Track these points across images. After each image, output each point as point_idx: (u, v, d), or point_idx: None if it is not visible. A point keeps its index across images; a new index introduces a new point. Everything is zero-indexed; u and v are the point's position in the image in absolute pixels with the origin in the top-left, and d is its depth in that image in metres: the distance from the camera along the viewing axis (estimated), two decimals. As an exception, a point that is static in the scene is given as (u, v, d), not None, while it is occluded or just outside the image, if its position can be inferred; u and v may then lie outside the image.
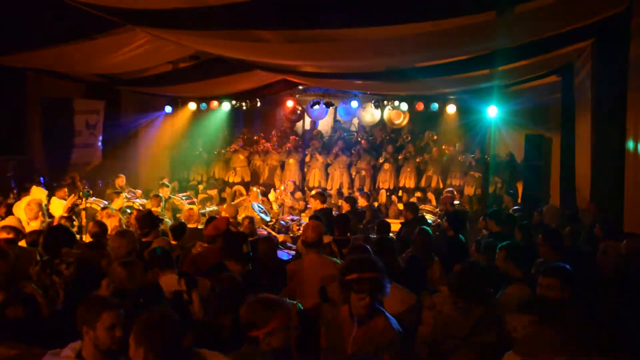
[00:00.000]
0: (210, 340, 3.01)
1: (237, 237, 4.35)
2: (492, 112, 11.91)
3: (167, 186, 10.29)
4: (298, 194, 12.16)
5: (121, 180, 10.55)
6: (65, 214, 6.95)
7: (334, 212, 8.19)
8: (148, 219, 5.78)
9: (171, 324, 2.33)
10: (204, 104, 13.75)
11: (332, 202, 11.93)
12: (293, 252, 7.30)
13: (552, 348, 2.38)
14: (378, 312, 2.83)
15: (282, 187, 12.26)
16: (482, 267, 3.62)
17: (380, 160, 12.75)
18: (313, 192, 10.12)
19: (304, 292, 4.11)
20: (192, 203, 10.51)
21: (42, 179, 9.01)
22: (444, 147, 12.77)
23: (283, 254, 6.41)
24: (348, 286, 2.79)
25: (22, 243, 5.10)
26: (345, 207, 8.54)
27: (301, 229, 9.32)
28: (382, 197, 12.43)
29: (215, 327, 3.22)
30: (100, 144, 11.81)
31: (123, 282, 3.41)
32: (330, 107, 13.33)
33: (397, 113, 13.61)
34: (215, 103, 13.67)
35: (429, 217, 9.56)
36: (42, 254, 4.43)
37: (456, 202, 9.88)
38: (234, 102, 13.67)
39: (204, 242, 5.27)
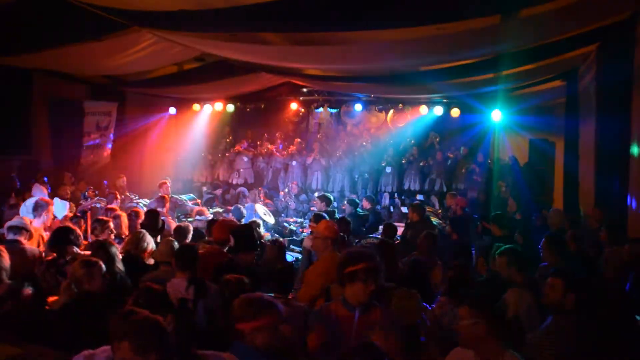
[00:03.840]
0: (215, 348, 2.99)
1: (246, 228, 4.81)
2: (496, 116, 11.90)
3: (166, 183, 10.29)
4: (302, 197, 12.17)
5: (122, 181, 10.55)
6: (71, 214, 6.96)
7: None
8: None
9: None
10: (208, 106, 13.78)
11: (335, 205, 11.94)
12: (297, 255, 7.31)
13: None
14: (373, 302, 2.94)
15: (286, 190, 12.26)
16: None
17: (383, 164, 12.75)
18: (317, 195, 10.13)
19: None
20: (196, 204, 10.51)
21: (45, 178, 9.05)
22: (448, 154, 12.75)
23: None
24: (351, 277, 2.86)
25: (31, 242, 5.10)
26: (347, 210, 8.55)
27: (303, 231, 9.36)
28: (385, 200, 12.43)
29: (222, 333, 3.19)
30: (109, 145, 11.90)
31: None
32: (335, 110, 13.35)
33: (400, 116, 13.61)
34: (219, 105, 13.70)
35: (434, 220, 9.54)
36: (48, 253, 4.44)
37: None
38: (238, 103, 13.69)
39: (205, 243, 5.22)
